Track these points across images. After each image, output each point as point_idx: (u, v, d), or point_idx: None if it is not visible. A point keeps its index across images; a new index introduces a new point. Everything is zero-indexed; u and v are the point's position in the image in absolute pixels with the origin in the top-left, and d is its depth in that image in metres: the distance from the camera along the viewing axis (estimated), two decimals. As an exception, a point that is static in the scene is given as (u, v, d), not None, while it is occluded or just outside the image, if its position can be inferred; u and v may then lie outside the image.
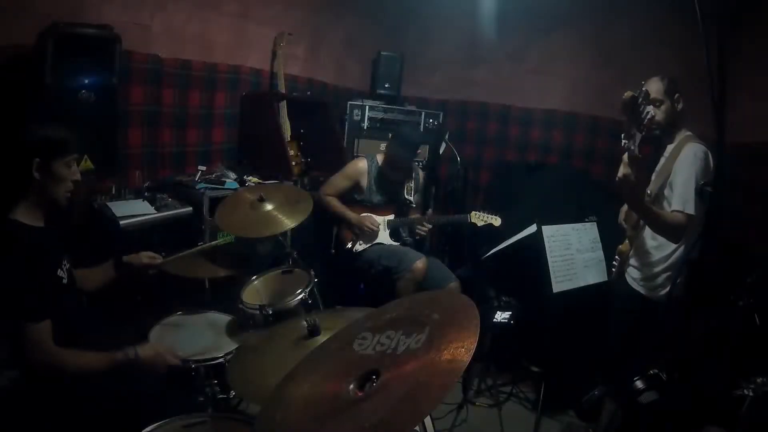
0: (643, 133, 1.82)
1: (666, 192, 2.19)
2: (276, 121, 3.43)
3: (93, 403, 1.62)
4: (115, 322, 2.01)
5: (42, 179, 1.62)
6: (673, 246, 2.20)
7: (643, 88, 1.77)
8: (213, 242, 2.37)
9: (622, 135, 1.84)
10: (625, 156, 1.92)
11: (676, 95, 2.21)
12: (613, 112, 3.82)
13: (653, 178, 2.28)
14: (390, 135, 3.40)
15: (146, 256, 2.04)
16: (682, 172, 2.12)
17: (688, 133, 2.23)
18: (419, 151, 3.58)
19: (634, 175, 1.91)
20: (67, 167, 1.68)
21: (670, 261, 2.22)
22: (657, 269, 2.26)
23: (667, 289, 2.21)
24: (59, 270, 1.69)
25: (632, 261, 2.39)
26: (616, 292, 2.49)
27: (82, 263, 1.96)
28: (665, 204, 2.20)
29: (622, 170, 1.93)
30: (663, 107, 2.19)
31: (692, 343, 1.75)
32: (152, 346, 1.79)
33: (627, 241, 2.42)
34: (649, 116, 1.78)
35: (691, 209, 2.06)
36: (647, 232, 2.28)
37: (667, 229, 2.12)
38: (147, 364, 1.68)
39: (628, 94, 1.76)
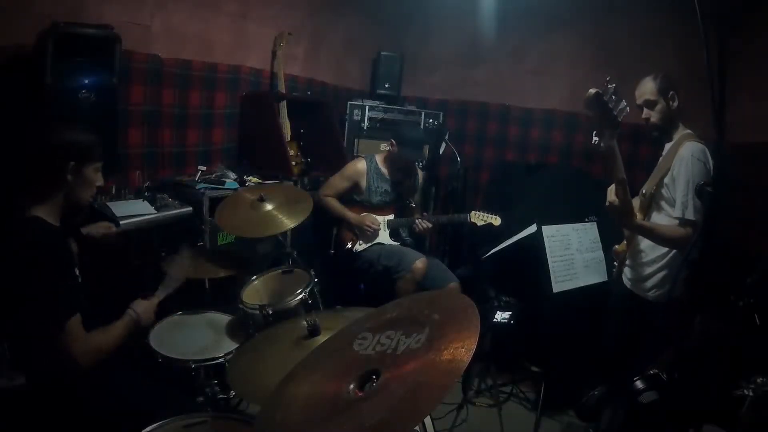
0: (618, 129, 1.75)
1: (664, 192, 2.17)
2: (276, 121, 3.43)
3: (93, 404, 1.62)
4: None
5: (73, 182, 1.67)
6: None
7: (609, 85, 1.68)
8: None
9: (594, 133, 1.75)
10: (612, 186, 1.96)
11: (671, 93, 2.15)
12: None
13: (650, 177, 2.25)
14: (395, 136, 3.37)
15: (103, 226, 2.10)
16: (679, 177, 2.08)
17: (687, 131, 2.19)
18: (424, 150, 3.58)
19: (619, 201, 1.94)
20: (95, 172, 1.74)
21: (664, 261, 2.20)
22: (650, 270, 2.24)
23: (660, 290, 2.19)
24: (75, 268, 1.71)
25: (628, 261, 2.38)
26: (612, 292, 2.49)
27: None
28: (663, 204, 2.18)
29: (609, 197, 1.98)
30: (657, 107, 2.15)
31: (692, 344, 1.75)
32: (139, 303, 1.87)
33: (625, 242, 2.40)
34: (625, 113, 1.72)
35: (691, 215, 2.03)
36: None
37: (668, 240, 2.11)
38: (145, 318, 1.85)
39: (591, 91, 1.67)
